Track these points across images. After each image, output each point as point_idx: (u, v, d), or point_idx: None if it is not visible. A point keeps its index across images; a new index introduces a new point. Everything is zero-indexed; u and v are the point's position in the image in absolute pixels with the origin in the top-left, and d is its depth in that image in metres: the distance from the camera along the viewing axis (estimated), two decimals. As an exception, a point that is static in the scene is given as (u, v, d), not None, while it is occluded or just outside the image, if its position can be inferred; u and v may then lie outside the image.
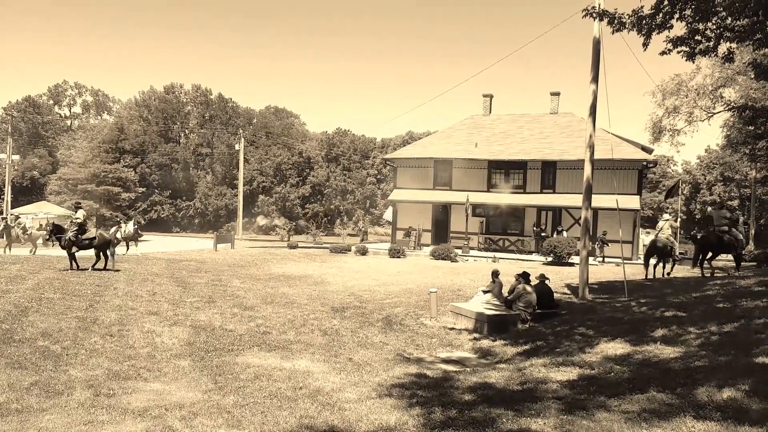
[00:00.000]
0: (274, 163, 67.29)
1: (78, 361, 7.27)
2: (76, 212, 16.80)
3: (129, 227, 23.06)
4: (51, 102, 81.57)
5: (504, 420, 5.32)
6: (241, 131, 59.42)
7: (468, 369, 8.19)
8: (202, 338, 8.99)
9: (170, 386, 6.51)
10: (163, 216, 64.77)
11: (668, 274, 17.62)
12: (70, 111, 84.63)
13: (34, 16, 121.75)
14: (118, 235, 22.54)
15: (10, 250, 24.34)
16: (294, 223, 54.91)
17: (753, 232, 42.55)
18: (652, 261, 17.50)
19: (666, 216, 18.25)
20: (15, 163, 57.27)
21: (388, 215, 35.55)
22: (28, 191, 65.65)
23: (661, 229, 17.51)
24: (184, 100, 75.44)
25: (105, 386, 6.30)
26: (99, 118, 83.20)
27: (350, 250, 29.55)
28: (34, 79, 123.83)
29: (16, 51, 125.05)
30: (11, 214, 38.30)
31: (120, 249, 22.94)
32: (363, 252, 28.74)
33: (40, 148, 71.40)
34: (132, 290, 12.94)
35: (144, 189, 64.23)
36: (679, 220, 19.08)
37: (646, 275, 17.20)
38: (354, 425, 5.35)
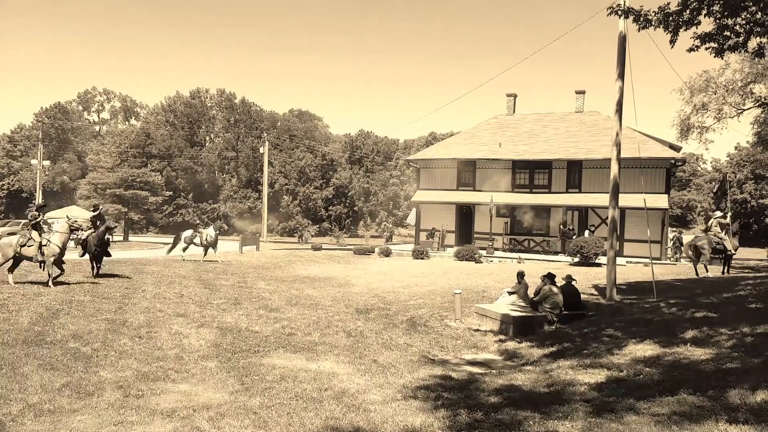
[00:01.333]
0: (298, 165, 67.82)
1: (108, 362, 7.42)
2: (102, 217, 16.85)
3: (210, 232, 22.95)
4: (80, 108, 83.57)
5: (531, 423, 5.27)
6: (265, 134, 60.03)
7: (494, 371, 8.13)
8: (229, 340, 9.09)
9: (198, 387, 6.59)
10: (188, 219, 65.76)
11: (725, 272, 17.45)
12: (98, 117, 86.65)
13: (64, 24, 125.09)
14: (196, 241, 22.55)
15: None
16: (318, 226, 55.10)
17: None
18: (685, 261, 17.29)
19: (717, 213, 17.89)
20: (46, 168, 58.83)
21: (411, 219, 35.35)
22: (58, 196, 67.28)
23: (709, 227, 17.22)
24: (209, 105, 76.52)
25: (134, 387, 6.41)
26: (127, 123, 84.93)
27: (374, 252, 29.60)
28: (64, 85, 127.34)
29: (47, 58, 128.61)
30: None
31: (191, 250, 22.85)
32: (386, 253, 28.77)
33: (69, 153, 73.12)
34: (160, 292, 13.15)
35: (170, 192, 65.32)
36: (729, 216, 18.32)
37: (697, 273, 17.17)
38: (379, 427, 5.36)
